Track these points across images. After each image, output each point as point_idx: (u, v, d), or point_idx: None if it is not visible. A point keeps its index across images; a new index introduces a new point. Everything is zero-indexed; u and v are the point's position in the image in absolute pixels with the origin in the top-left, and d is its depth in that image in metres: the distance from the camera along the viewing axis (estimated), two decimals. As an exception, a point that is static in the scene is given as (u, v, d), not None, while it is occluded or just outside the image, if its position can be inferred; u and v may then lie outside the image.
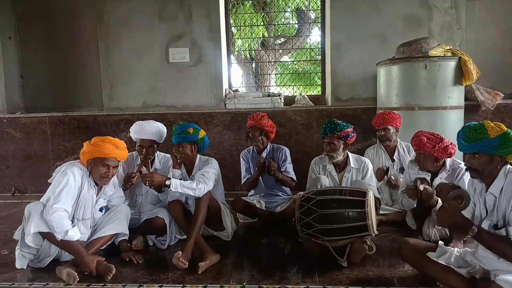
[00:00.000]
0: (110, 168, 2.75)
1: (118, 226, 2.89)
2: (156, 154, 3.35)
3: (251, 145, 3.75)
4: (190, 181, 2.94)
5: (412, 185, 2.94)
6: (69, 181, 2.64)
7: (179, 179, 2.96)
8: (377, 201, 3.21)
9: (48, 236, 2.61)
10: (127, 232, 2.97)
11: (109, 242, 2.95)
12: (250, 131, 3.67)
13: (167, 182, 2.82)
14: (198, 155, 3.26)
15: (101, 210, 2.95)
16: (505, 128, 2.02)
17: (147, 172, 3.06)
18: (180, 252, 2.68)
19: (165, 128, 3.33)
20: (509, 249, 1.94)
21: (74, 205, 2.72)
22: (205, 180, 2.93)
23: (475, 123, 2.10)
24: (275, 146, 3.78)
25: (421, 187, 2.84)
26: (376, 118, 3.76)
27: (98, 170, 2.73)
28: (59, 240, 2.58)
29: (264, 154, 3.70)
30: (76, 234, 2.64)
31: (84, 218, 2.81)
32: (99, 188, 2.90)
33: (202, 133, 3.15)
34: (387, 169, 3.63)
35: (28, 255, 2.69)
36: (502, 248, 1.96)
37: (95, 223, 2.93)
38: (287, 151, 3.73)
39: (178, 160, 3.13)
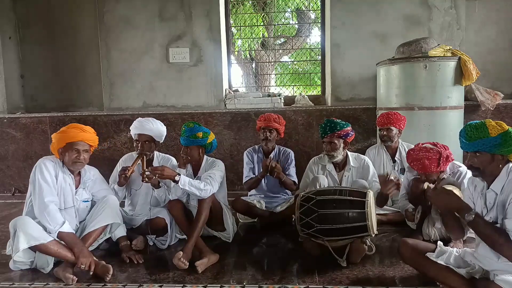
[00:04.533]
0: (80, 152, 2.73)
1: (107, 217, 2.84)
2: (155, 154, 3.35)
3: (268, 147, 3.71)
4: (198, 180, 2.94)
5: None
6: (44, 174, 2.67)
7: None
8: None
9: (39, 248, 2.57)
10: (120, 221, 2.93)
11: (104, 237, 2.93)
12: (266, 132, 3.64)
13: (176, 178, 2.81)
14: (205, 156, 3.27)
15: (86, 201, 2.91)
16: (507, 127, 2.01)
17: (145, 168, 3.01)
18: (181, 253, 2.68)
19: (164, 127, 3.32)
20: (503, 241, 1.92)
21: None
22: (211, 182, 2.94)
23: (477, 121, 2.10)
24: (281, 149, 3.77)
25: (426, 185, 2.87)
26: (381, 117, 3.76)
27: (69, 156, 2.73)
28: (55, 233, 2.58)
29: (271, 156, 3.68)
30: (70, 227, 2.66)
31: (67, 207, 2.79)
32: (78, 179, 2.88)
33: (211, 137, 3.17)
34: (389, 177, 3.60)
35: (24, 266, 2.68)
36: (497, 239, 1.94)
37: (83, 218, 2.90)
38: (292, 154, 3.74)
39: (184, 161, 3.16)
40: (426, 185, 2.87)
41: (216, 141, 3.28)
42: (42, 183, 2.66)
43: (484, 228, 1.98)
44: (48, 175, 2.68)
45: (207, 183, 2.90)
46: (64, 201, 2.78)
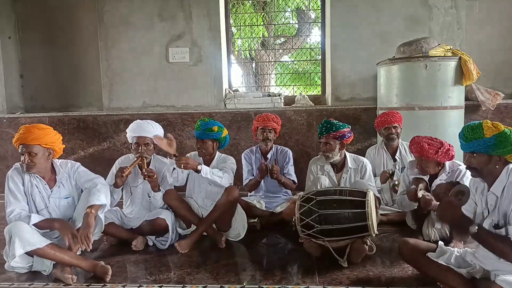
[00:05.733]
0: (25, 155, 2.67)
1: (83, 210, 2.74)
2: (152, 156, 3.30)
3: (267, 146, 3.72)
4: (217, 169, 3.14)
5: (413, 188, 2.90)
6: (9, 185, 2.70)
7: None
8: (377, 200, 3.20)
9: (36, 253, 2.54)
10: (104, 203, 2.79)
11: (96, 225, 2.86)
12: (266, 132, 3.66)
13: (199, 167, 2.99)
14: (217, 152, 3.36)
15: (66, 198, 2.85)
16: (502, 128, 2.01)
17: (147, 168, 3.09)
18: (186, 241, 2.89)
19: (162, 130, 3.30)
20: (509, 248, 1.93)
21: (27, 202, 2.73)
22: (228, 171, 3.17)
23: (476, 122, 2.10)
24: (279, 148, 3.79)
25: (420, 194, 2.82)
26: (386, 116, 3.73)
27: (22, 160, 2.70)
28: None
29: (269, 156, 3.70)
30: (39, 216, 2.66)
31: (39, 210, 2.75)
32: (54, 177, 2.83)
33: (225, 132, 3.27)
34: (393, 173, 3.60)
35: (22, 270, 2.65)
36: (502, 248, 1.95)
37: (69, 215, 2.84)
38: (290, 153, 3.76)
39: (199, 155, 3.28)
40: (420, 193, 2.84)
41: (229, 137, 3.40)
42: (8, 194, 2.69)
43: (487, 238, 1.99)
44: (12, 185, 2.70)
45: (224, 171, 3.12)
46: (35, 205, 2.75)
